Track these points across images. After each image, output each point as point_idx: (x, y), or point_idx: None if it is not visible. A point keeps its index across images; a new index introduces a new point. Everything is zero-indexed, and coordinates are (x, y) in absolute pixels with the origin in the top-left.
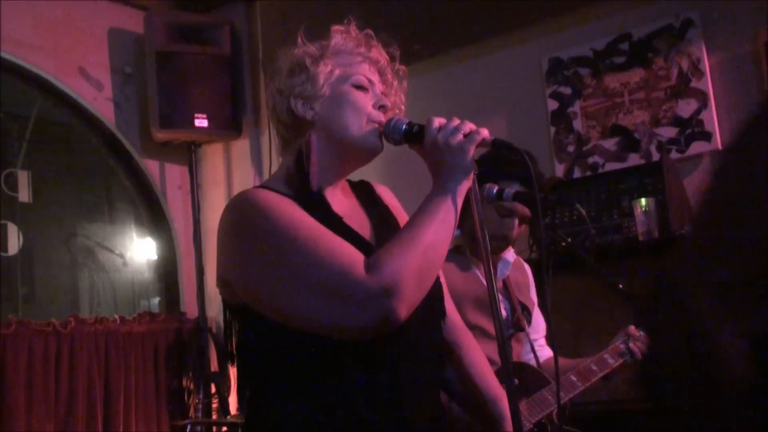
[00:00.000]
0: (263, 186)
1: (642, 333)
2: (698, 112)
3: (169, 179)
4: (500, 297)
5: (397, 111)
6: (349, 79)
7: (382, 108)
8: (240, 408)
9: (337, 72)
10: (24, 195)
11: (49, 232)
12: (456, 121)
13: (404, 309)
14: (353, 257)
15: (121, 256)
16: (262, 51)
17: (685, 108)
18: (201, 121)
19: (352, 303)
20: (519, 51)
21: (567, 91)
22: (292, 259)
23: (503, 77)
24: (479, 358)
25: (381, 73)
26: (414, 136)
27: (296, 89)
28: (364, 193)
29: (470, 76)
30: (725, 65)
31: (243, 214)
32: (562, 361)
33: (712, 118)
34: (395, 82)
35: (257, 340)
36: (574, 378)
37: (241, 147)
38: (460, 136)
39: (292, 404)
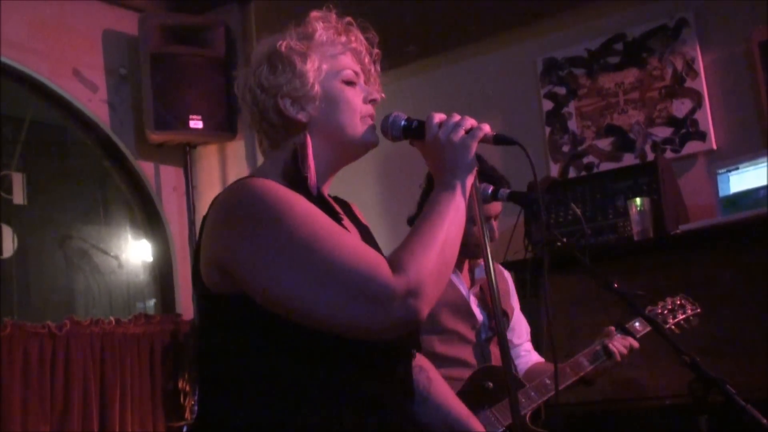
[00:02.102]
0: (263, 176)
1: (620, 334)
2: (693, 111)
3: (164, 181)
4: (476, 301)
5: (378, 101)
6: (338, 74)
7: (372, 102)
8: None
9: (324, 67)
10: (18, 197)
11: (44, 234)
12: (457, 117)
13: (426, 308)
14: (376, 257)
15: (117, 258)
16: None
17: (680, 108)
18: (196, 123)
19: (379, 302)
20: (514, 51)
21: (562, 91)
22: (316, 253)
23: (498, 78)
24: (442, 381)
25: (360, 62)
26: (413, 131)
27: (283, 88)
28: (344, 207)
29: (465, 77)
30: (719, 65)
31: (255, 200)
32: (544, 366)
33: (706, 118)
34: (372, 69)
35: (244, 332)
36: (547, 381)
37: (236, 148)
38: (461, 133)
39: (277, 397)
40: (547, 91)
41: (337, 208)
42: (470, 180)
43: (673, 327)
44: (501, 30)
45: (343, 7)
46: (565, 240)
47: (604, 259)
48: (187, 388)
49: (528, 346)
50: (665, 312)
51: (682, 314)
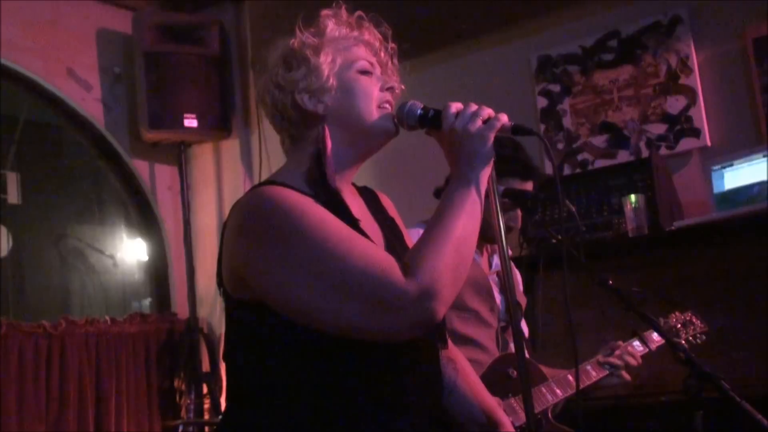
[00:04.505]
0: (279, 182)
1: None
2: (687, 108)
3: (159, 180)
4: (495, 288)
5: (397, 91)
6: (352, 65)
7: (390, 90)
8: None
9: (339, 60)
10: (13, 197)
11: (39, 233)
12: (474, 107)
13: (442, 309)
14: (388, 261)
15: (112, 257)
16: (251, 51)
17: (674, 104)
18: (190, 121)
19: (392, 308)
20: (508, 49)
21: (556, 88)
22: (326, 262)
23: (492, 75)
24: (470, 370)
25: (375, 54)
26: (429, 121)
27: (299, 83)
28: (371, 199)
29: (459, 74)
30: (714, 62)
31: (267, 211)
32: (546, 370)
33: (700, 115)
34: (389, 62)
35: (266, 337)
36: (570, 378)
37: (231, 147)
38: (479, 123)
39: (295, 403)
40: (541, 88)
41: (357, 205)
42: (487, 171)
43: (683, 342)
44: (495, 27)
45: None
46: (559, 237)
47: (599, 256)
48: (183, 387)
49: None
50: (678, 326)
51: (692, 330)
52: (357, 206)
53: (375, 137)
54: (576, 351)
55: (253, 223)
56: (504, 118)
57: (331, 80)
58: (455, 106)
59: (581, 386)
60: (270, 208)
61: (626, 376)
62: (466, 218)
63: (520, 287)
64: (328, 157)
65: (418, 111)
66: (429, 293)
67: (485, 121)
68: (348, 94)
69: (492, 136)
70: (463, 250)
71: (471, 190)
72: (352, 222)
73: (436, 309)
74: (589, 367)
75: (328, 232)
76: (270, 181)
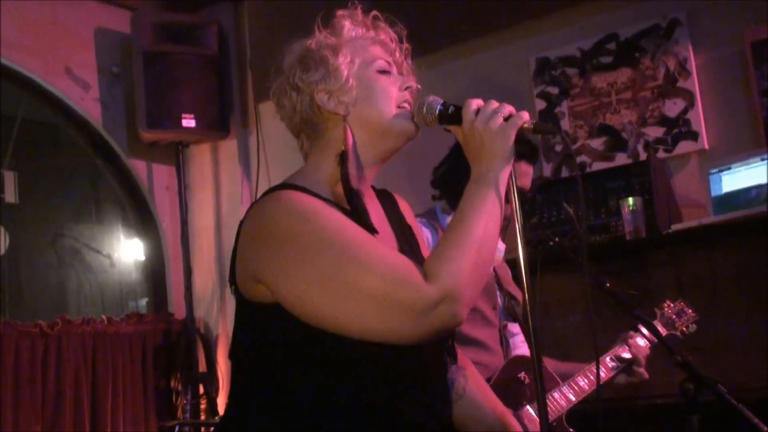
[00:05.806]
0: (299, 186)
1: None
2: (685, 111)
3: (157, 179)
4: (495, 285)
5: (414, 91)
6: (371, 65)
7: (408, 89)
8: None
9: (357, 60)
10: (10, 196)
11: (36, 232)
12: (495, 104)
13: (464, 311)
14: (408, 265)
15: (109, 256)
16: (250, 51)
17: (672, 108)
18: (188, 121)
19: (414, 312)
20: (507, 51)
21: (554, 90)
22: (346, 268)
23: (491, 77)
24: (479, 377)
25: (391, 54)
26: (449, 117)
27: (318, 84)
28: (389, 204)
29: (458, 76)
30: (712, 65)
31: (286, 216)
32: (553, 363)
33: (698, 118)
34: (404, 62)
35: (276, 340)
36: (580, 380)
37: (229, 147)
38: (500, 120)
39: (298, 408)
40: (540, 90)
41: (375, 209)
42: (508, 169)
43: (678, 334)
44: (494, 29)
45: (336, 7)
46: (557, 239)
47: (597, 258)
48: (179, 388)
49: (522, 337)
50: (674, 316)
51: (686, 319)
52: (374, 210)
53: (395, 137)
54: (597, 350)
55: (271, 229)
56: (525, 116)
57: (350, 80)
58: (476, 103)
59: (590, 389)
60: (289, 213)
61: (644, 373)
62: (487, 219)
63: (509, 278)
64: (351, 159)
65: (439, 107)
66: (451, 296)
67: (506, 119)
68: (368, 94)
69: (513, 134)
70: (485, 252)
71: (491, 190)
72: (370, 228)
73: (457, 311)
74: (607, 359)
75: (347, 238)
76: (288, 184)
